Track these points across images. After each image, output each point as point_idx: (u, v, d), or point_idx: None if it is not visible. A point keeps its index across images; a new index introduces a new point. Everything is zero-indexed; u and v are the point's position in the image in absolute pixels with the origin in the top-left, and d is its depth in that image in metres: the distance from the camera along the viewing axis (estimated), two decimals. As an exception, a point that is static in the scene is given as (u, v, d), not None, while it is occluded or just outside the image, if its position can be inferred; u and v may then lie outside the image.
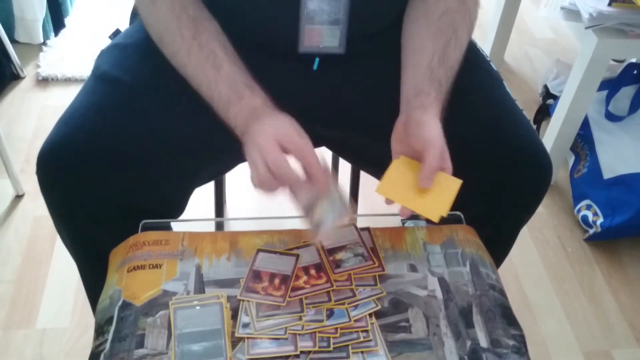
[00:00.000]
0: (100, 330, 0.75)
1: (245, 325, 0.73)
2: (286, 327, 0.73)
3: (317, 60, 0.93)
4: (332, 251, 0.81)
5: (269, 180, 0.75)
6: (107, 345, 0.72)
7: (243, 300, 0.75)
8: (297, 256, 0.81)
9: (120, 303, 0.76)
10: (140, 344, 0.71)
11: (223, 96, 0.82)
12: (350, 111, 0.94)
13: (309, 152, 0.76)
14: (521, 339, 0.75)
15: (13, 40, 2.05)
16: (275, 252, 0.82)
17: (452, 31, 0.87)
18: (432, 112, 0.81)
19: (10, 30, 2.05)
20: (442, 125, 0.85)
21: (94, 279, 0.93)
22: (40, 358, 1.29)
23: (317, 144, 1.08)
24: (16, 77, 2.02)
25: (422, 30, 0.89)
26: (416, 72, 0.86)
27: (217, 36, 0.85)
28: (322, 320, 0.73)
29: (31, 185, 1.64)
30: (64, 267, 1.45)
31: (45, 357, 1.29)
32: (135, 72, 0.90)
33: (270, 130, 0.76)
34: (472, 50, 1.00)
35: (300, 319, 0.73)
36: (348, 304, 0.75)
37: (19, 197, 1.63)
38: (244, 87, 0.82)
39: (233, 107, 0.81)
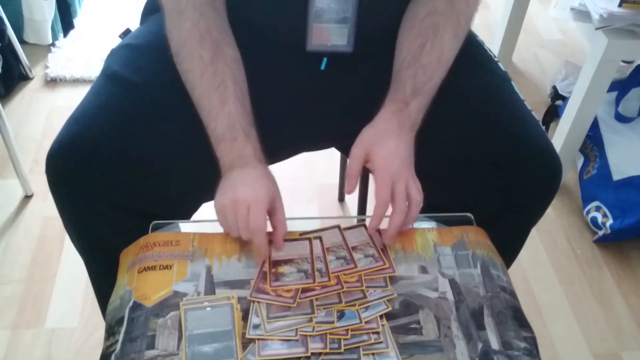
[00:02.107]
0: (110, 331, 0.75)
1: (256, 327, 0.73)
2: (297, 329, 0.72)
3: (325, 60, 0.93)
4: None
5: (234, 227, 0.79)
6: (118, 345, 0.72)
7: (253, 301, 0.75)
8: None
9: (130, 304, 0.76)
10: (151, 345, 0.71)
11: (218, 131, 0.83)
12: (357, 111, 0.94)
13: (283, 224, 0.81)
14: (532, 341, 0.75)
15: (22, 41, 2.06)
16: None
17: (432, 32, 0.87)
18: (383, 111, 0.86)
19: (19, 31, 2.06)
20: (448, 128, 0.87)
21: (103, 279, 0.93)
22: (49, 358, 1.29)
23: (325, 144, 1.08)
24: (25, 78, 2.03)
25: (404, 33, 0.90)
26: (393, 75, 0.89)
27: (232, 65, 0.86)
28: (332, 322, 0.73)
29: (40, 185, 1.65)
30: (72, 267, 1.46)
31: (54, 357, 1.29)
32: (146, 74, 0.90)
33: (257, 191, 0.79)
34: (480, 51, 1.00)
35: (310, 320, 0.73)
36: (359, 305, 0.75)
37: (27, 197, 1.64)
38: (240, 130, 0.83)
39: (224, 145, 0.83)
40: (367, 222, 0.86)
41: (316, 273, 0.78)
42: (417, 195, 0.82)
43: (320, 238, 0.83)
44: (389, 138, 0.84)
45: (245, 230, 0.78)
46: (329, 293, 0.76)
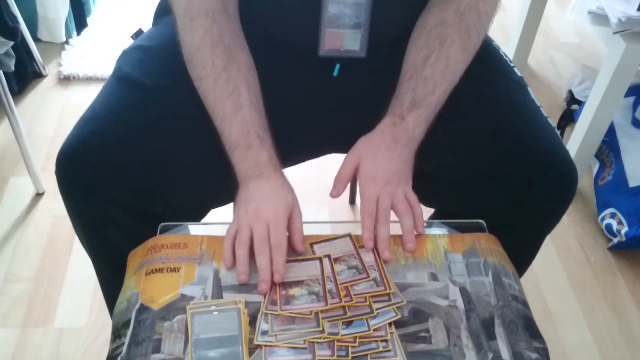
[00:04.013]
0: (117, 333, 0.75)
1: (264, 333, 0.72)
2: (305, 340, 0.71)
3: (337, 66, 0.92)
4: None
5: (246, 245, 0.78)
6: (124, 348, 0.71)
7: (269, 314, 0.74)
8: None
9: (137, 306, 0.75)
10: (157, 349, 0.70)
11: (232, 138, 0.83)
12: (369, 117, 0.93)
13: (299, 232, 0.81)
14: (544, 352, 0.73)
15: (36, 39, 2.07)
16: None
17: (438, 44, 0.86)
18: (380, 123, 0.87)
19: (33, 29, 2.07)
20: (462, 133, 0.86)
21: (111, 280, 0.93)
22: (57, 357, 1.29)
23: (336, 149, 1.07)
24: (38, 76, 2.04)
25: (411, 44, 0.90)
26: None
27: (246, 71, 0.86)
28: (337, 334, 0.72)
29: (51, 183, 1.65)
30: (82, 266, 1.46)
31: (62, 356, 1.29)
32: (158, 76, 0.89)
33: (276, 207, 0.80)
34: (495, 56, 0.98)
35: (322, 332, 0.72)
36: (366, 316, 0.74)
37: (39, 195, 1.64)
38: (255, 137, 0.83)
39: (238, 152, 0.83)
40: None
41: (327, 295, 0.76)
42: (404, 209, 0.83)
43: (329, 256, 0.81)
44: (380, 153, 0.84)
45: (262, 247, 0.77)
46: (336, 305, 0.75)
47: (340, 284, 0.77)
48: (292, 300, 0.76)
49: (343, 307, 0.74)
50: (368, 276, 0.78)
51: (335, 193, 0.87)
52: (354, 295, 0.76)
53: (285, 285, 0.77)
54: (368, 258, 0.81)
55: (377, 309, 0.75)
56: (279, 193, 0.81)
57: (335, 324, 0.73)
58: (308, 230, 0.84)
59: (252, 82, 0.86)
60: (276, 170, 0.83)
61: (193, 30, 0.84)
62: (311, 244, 0.83)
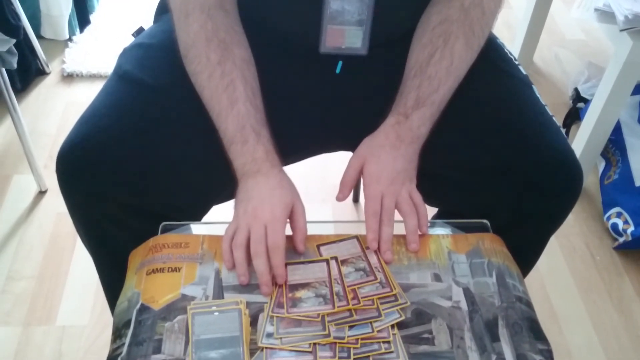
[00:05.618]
0: (118, 333, 0.74)
1: (269, 335, 0.71)
2: (310, 343, 0.70)
3: (340, 63, 0.91)
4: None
5: (242, 246, 0.77)
6: (125, 349, 0.71)
7: (274, 317, 0.73)
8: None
9: (138, 306, 0.75)
10: (158, 349, 0.70)
11: (229, 133, 0.82)
12: (371, 115, 0.93)
13: (303, 229, 0.80)
14: (548, 354, 0.72)
15: (39, 36, 2.07)
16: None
17: (442, 42, 0.85)
18: (384, 123, 0.86)
19: (36, 26, 2.07)
20: (466, 133, 0.86)
21: (112, 279, 0.93)
22: (60, 355, 1.29)
23: (338, 147, 1.06)
24: (41, 73, 2.03)
25: (415, 41, 0.89)
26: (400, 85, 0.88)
27: (242, 65, 0.85)
28: (343, 338, 0.71)
29: (54, 181, 1.62)
30: (85, 264, 1.45)
31: (64, 355, 1.29)
32: (158, 74, 0.89)
33: (274, 207, 0.78)
34: (500, 54, 0.97)
35: (327, 335, 0.71)
36: (373, 321, 0.73)
37: (42, 193, 1.64)
38: (250, 131, 0.82)
39: (235, 147, 0.82)
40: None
41: (335, 297, 0.75)
42: (409, 209, 0.82)
43: (336, 258, 0.80)
44: (384, 152, 0.84)
45: (258, 249, 0.76)
46: (344, 308, 0.74)
47: (348, 286, 0.76)
48: (299, 303, 0.75)
49: (350, 310, 0.74)
50: (375, 278, 0.77)
51: (341, 197, 0.86)
52: (362, 298, 0.75)
53: (292, 287, 0.76)
54: (373, 259, 0.80)
55: (382, 310, 0.74)
56: (277, 192, 0.80)
57: (342, 328, 0.72)
58: (312, 229, 0.83)
59: (249, 76, 0.85)
60: (274, 166, 0.82)
61: (188, 25, 0.84)
62: (318, 246, 0.82)
